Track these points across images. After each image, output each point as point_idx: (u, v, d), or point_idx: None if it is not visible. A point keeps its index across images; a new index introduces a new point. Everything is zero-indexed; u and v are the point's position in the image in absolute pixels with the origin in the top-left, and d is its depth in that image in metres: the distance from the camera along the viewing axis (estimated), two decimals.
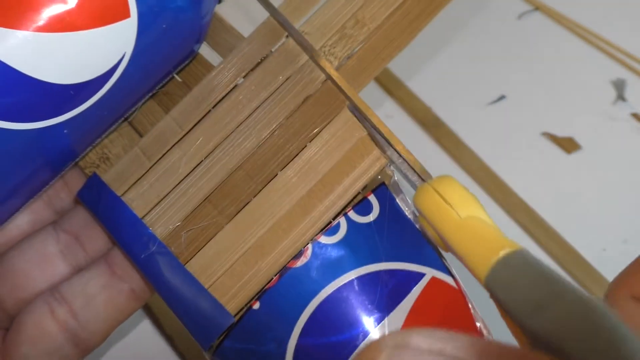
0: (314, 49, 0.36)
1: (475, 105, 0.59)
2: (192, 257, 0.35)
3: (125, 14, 0.31)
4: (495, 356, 0.21)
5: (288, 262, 0.34)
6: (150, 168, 0.36)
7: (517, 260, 0.26)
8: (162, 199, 0.36)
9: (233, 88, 0.37)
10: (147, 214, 0.36)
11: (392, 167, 0.36)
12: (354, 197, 0.35)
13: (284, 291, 0.34)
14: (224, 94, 0.37)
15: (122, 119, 0.37)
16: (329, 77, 0.36)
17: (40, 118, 0.31)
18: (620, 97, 0.58)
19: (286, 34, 0.37)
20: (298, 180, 0.35)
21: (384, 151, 0.35)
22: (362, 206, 0.35)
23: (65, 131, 0.32)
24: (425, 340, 0.21)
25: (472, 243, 0.28)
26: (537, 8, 0.63)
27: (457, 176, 0.54)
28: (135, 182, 0.36)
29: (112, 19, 0.31)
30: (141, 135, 0.38)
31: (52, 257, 0.37)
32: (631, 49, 0.60)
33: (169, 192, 0.36)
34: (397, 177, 0.36)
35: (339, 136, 0.36)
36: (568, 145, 0.57)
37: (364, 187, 0.36)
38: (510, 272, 0.25)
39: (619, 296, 0.27)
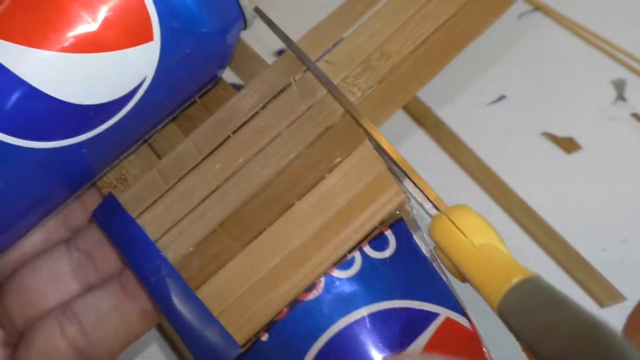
0: (332, 84, 0.37)
1: (475, 105, 0.59)
2: (202, 284, 0.35)
3: (149, 37, 0.31)
4: None
5: (299, 295, 0.34)
6: (166, 191, 0.36)
7: (529, 287, 0.26)
8: (176, 223, 0.36)
9: (254, 115, 0.37)
10: (160, 237, 0.36)
11: (411, 204, 0.36)
12: (371, 232, 0.35)
13: (293, 324, 0.34)
14: (244, 120, 0.37)
15: (142, 140, 0.37)
16: (347, 111, 0.36)
17: (59, 137, 0.31)
18: (621, 97, 0.58)
19: (305, 68, 0.38)
20: (314, 212, 0.35)
21: (400, 181, 0.36)
22: (379, 241, 0.35)
23: (83, 151, 0.33)
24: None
25: (485, 271, 0.29)
26: (537, 8, 0.63)
27: (457, 176, 0.55)
28: (150, 205, 0.36)
29: (135, 42, 0.31)
30: (160, 158, 0.38)
31: (64, 275, 0.38)
32: (631, 49, 0.60)
33: (184, 217, 0.36)
34: (415, 213, 0.36)
35: (359, 169, 0.36)
36: (568, 145, 0.57)
37: (381, 222, 0.35)
38: (522, 298, 0.26)
39: (635, 329, 0.28)
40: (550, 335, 0.24)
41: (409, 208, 0.36)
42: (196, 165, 0.37)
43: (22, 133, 0.30)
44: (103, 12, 0.30)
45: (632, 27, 0.62)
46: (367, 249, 0.35)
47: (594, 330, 0.23)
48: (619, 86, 0.59)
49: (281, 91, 0.37)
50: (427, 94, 0.60)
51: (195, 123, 0.38)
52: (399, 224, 0.36)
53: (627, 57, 0.60)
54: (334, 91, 0.36)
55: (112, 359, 0.37)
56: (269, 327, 0.34)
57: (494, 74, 0.60)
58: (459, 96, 0.59)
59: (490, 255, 0.29)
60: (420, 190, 0.35)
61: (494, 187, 0.55)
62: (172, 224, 0.36)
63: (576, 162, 0.57)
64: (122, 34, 0.31)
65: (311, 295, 0.34)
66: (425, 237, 0.35)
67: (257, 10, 0.38)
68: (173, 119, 0.38)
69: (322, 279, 0.34)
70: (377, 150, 0.36)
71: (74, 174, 0.34)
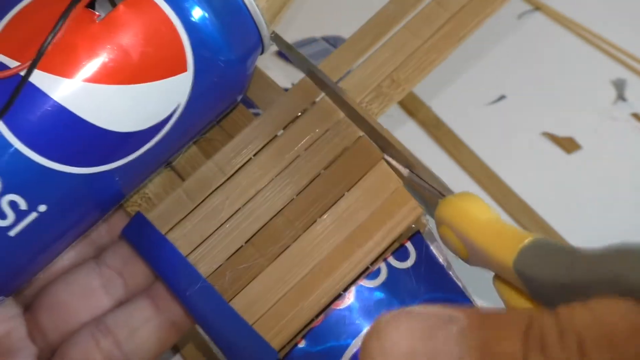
0: (354, 101, 0.41)
1: (475, 105, 0.61)
2: (235, 296, 0.39)
3: (183, 68, 0.35)
4: (493, 319, 0.24)
5: (329, 303, 0.39)
6: (193, 210, 0.40)
7: (541, 243, 0.29)
8: (205, 240, 0.40)
9: (274, 138, 0.42)
10: (190, 252, 0.39)
11: (427, 217, 0.41)
12: (391, 244, 0.40)
13: (328, 330, 0.38)
14: (264, 142, 0.41)
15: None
16: (369, 127, 0.41)
17: (96, 163, 0.34)
18: (621, 97, 0.60)
19: (322, 94, 0.42)
20: (337, 227, 0.40)
21: (411, 169, 0.40)
22: (400, 252, 0.40)
23: (116, 178, 0.36)
24: (423, 306, 0.25)
25: (496, 239, 0.31)
26: (537, 8, 0.65)
27: (458, 176, 0.56)
28: (178, 222, 0.40)
29: (171, 73, 0.35)
30: (181, 178, 0.42)
31: (95, 290, 0.41)
32: (631, 49, 0.63)
33: (212, 233, 0.40)
34: (430, 225, 0.41)
35: (376, 186, 0.41)
36: (568, 145, 0.58)
37: (400, 235, 0.40)
38: (536, 253, 0.28)
39: None
40: (574, 269, 0.26)
41: (424, 221, 0.41)
42: (220, 185, 0.41)
43: (65, 159, 0.33)
44: (142, 46, 0.34)
45: (632, 26, 0.64)
46: (391, 260, 0.40)
47: (615, 250, 0.25)
48: (619, 86, 0.60)
49: (298, 116, 0.42)
50: (427, 94, 0.61)
51: (214, 145, 0.42)
52: (417, 237, 0.40)
53: (627, 57, 0.61)
54: (355, 108, 0.41)
55: None
56: (306, 333, 0.38)
57: (494, 74, 0.62)
58: (459, 96, 0.61)
59: (498, 226, 0.32)
60: (428, 180, 0.39)
61: (494, 187, 0.56)
62: (201, 240, 0.40)
63: (576, 162, 0.58)
64: (159, 66, 0.35)
65: (343, 304, 0.39)
66: (441, 247, 0.40)
67: (275, 36, 0.42)
68: (194, 142, 0.43)
69: (353, 289, 0.39)
70: (392, 168, 0.41)
71: (107, 197, 0.37)
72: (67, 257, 0.42)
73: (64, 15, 0.32)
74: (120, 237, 0.41)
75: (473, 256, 0.34)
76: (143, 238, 0.39)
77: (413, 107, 0.61)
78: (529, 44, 0.64)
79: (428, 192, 0.39)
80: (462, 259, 0.36)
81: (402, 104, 0.61)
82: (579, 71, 0.62)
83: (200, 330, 0.45)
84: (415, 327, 0.24)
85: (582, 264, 0.26)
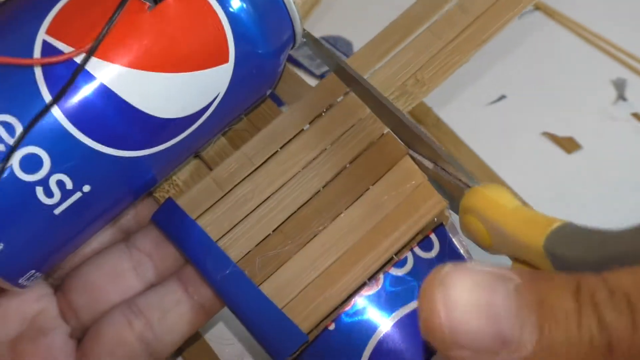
0: (382, 95, 0.43)
1: (475, 105, 0.62)
2: (264, 281, 0.40)
3: (225, 59, 0.37)
4: (544, 279, 0.25)
5: (357, 290, 0.40)
6: (222, 197, 0.42)
7: (570, 227, 0.29)
8: (234, 226, 0.41)
9: (300, 132, 0.43)
10: (220, 238, 0.41)
11: (449, 210, 0.42)
12: (416, 235, 0.42)
13: (357, 315, 0.40)
14: (292, 135, 0.43)
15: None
16: (395, 122, 0.42)
17: (138, 147, 0.36)
18: (621, 96, 0.61)
19: (348, 89, 0.44)
20: (363, 218, 0.41)
21: (436, 162, 0.42)
22: (425, 243, 0.42)
23: (154, 163, 0.38)
24: (479, 264, 0.26)
25: (524, 224, 0.32)
26: (537, 8, 0.67)
27: None
28: (208, 209, 0.42)
29: (213, 64, 0.37)
30: (209, 167, 0.44)
31: (126, 272, 0.42)
32: (631, 49, 0.64)
33: (241, 221, 0.41)
34: (453, 219, 0.43)
35: (401, 181, 0.42)
36: (568, 145, 0.59)
37: (424, 227, 0.42)
38: (565, 234, 0.29)
39: None
40: (606, 246, 0.27)
41: (447, 214, 0.43)
42: (249, 175, 0.42)
43: (110, 141, 0.35)
44: (189, 37, 0.36)
45: (632, 26, 0.66)
46: (417, 250, 0.41)
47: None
48: (620, 86, 0.61)
49: (324, 111, 0.44)
50: (428, 94, 0.61)
51: (243, 136, 0.44)
52: (441, 229, 0.42)
53: (627, 56, 0.63)
54: (383, 102, 0.42)
55: (173, 350, 0.42)
56: (335, 317, 0.40)
57: (494, 74, 0.63)
58: (459, 96, 0.62)
59: (526, 212, 0.33)
60: (453, 172, 0.41)
61: None
62: (231, 227, 0.41)
63: (576, 162, 0.59)
64: (203, 57, 0.36)
65: (372, 290, 0.40)
66: (462, 239, 0.42)
67: (306, 32, 0.43)
68: (222, 134, 0.44)
69: (382, 276, 0.41)
70: (416, 162, 0.42)
71: (143, 181, 0.39)
72: (97, 241, 0.43)
73: (121, 4, 0.34)
74: (150, 222, 0.43)
75: (497, 243, 0.35)
76: (173, 223, 0.41)
77: (418, 113, 0.62)
78: (529, 44, 0.65)
79: (454, 183, 0.40)
80: (484, 248, 0.37)
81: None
82: (579, 71, 0.63)
83: (205, 332, 0.48)
84: (478, 280, 0.25)
85: (614, 240, 0.27)
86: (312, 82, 0.48)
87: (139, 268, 0.42)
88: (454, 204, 0.41)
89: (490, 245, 0.35)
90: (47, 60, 0.33)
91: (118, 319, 0.40)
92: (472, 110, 0.62)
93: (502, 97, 0.62)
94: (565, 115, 0.61)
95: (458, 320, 0.24)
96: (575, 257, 0.28)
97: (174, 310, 0.41)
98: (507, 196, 0.35)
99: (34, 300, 0.41)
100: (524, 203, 0.35)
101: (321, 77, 0.46)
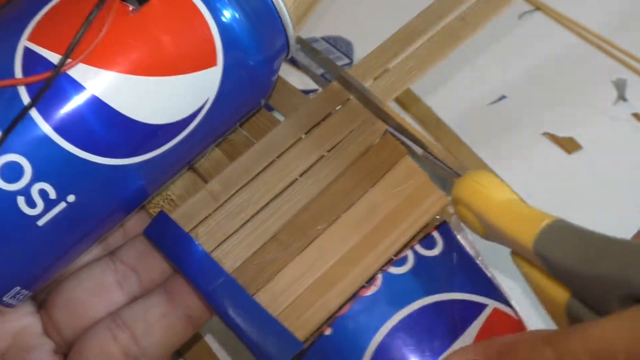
0: (382, 101, 0.43)
1: (475, 105, 0.61)
2: (259, 289, 0.39)
3: (213, 62, 0.36)
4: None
5: (356, 292, 0.39)
6: (217, 208, 0.41)
7: (560, 225, 0.30)
8: (229, 237, 0.40)
9: (298, 140, 0.42)
10: (214, 249, 0.40)
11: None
12: (417, 234, 0.41)
13: (355, 318, 0.38)
14: (289, 144, 0.42)
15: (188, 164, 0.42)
16: (397, 123, 0.42)
17: (124, 155, 0.35)
18: (621, 97, 0.60)
19: (349, 97, 0.44)
20: (363, 219, 0.40)
21: (427, 154, 0.42)
22: (427, 241, 0.40)
23: (143, 172, 0.37)
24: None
25: (515, 219, 0.32)
26: (538, 8, 0.66)
27: None
28: (202, 221, 0.41)
29: (201, 67, 0.36)
30: (204, 179, 0.43)
31: (110, 286, 0.41)
32: (631, 49, 0.63)
33: (236, 230, 0.40)
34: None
35: (401, 180, 0.41)
36: (568, 145, 0.58)
37: (426, 225, 0.41)
38: (555, 235, 0.29)
39: None
40: (601, 262, 0.27)
41: (451, 211, 0.41)
42: (245, 185, 0.41)
43: (95, 148, 0.34)
44: (174, 39, 0.35)
45: (632, 26, 0.65)
46: (418, 248, 0.40)
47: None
48: (620, 86, 0.61)
49: (322, 120, 0.43)
50: (427, 94, 0.61)
51: (237, 148, 0.43)
52: (445, 226, 0.41)
53: (627, 57, 0.62)
54: (382, 106, 0.42)
55: None
56: (332, 322, 0.39)
57: (494, 74, 0.62)
58: (459, 96, 0.61)
59: (516, 206, 0.33)
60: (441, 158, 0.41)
61: None
62: (225, 237, 0.40)
63: (577, 162, 0.59)
64: (190, 59, 0.35)
65: (370, 291, 0.39)
66: (469, 237, 0.41)
67: (300, 40, 0.43)
68: (216, 145, 0.43)
69: (380, 276, 0.39)
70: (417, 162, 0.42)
71: (132, 193, 0.38)
72: (83, 260, 0.42)
73: (98, 5, 0.32)
74: (135, 235, 0.42)
75: (491, 235, 0.34)
76: (166, 236, 0.40)
77: (418, 113, 0.61)
78: (529, 44, 0.65)
79: (446, 172, 0.40)
80: (479, 235, 0.36)
81: (407, 109, 0.62)
82: (579, 71, 0.63)
83: (205, 334, 0.47)
84: None
85: (614, 257, 0.27)
86: (312, 82, 0.48)
87: (123, 282, 0.41)
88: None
89: (486, 235, 0.35)
90: (30, 79, 0.32)
91: (102, 332, 0.39)
92: (472, 110, 0.61)
93: (502, 97, 0.62)
94: (565, 116, 0.60)
95: None
96: (567, 266, 0.27)
97: (159, 322, 0.40)
98: (496, 185, 0.34)
99: (16, 318, 0.40)
100: (513, 192, 0.34)
101: (322, 76, 0.45)
